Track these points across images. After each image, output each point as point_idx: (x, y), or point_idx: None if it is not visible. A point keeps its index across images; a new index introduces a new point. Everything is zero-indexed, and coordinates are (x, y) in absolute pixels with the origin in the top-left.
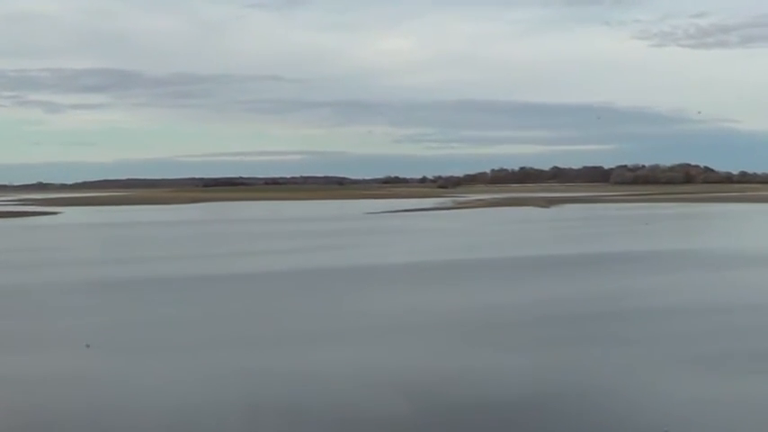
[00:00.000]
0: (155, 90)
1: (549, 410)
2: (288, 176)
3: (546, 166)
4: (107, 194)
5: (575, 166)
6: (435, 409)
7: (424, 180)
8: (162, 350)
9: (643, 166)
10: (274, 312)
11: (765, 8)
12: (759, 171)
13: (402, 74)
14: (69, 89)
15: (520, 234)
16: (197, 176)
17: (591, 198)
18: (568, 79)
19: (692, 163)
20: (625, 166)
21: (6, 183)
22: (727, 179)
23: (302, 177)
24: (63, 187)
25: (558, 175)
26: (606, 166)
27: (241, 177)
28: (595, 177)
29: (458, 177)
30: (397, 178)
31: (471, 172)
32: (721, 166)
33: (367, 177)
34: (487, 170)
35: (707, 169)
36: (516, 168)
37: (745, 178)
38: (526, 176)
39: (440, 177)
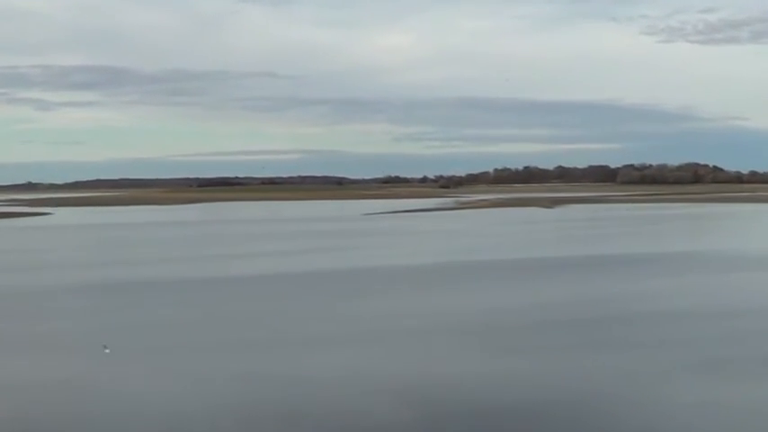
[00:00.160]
0: (147, 87)
1: (551, 417)
2: (285, 176)
3: (550, 166)
4: (99, 195)
5: (580, 166)
6: (435, 416)
7: (424, 180)
8: (157, 353)
9: (650, 166)
10: (271, 315)
11: None
12: None
13: (402, 71)
14: (60, 86)
15: (523, 235)
16: (191, 176)
17: (597, 198)
18: (574, 76)
19: (701, 162)
20: (632, 165)
21: None
22: (737, 179)
23: (299, 177)
24: (53, 187)
25: (563, 175)
26: (612, 166)
27: (237, 177)
28: (601, 177)
29: (460, 177)
30: (397, 178)
31: (473, 171)
32: (731, 165)
33: (366, 177)
34: (490, 169)
35: (716, 168)
36: (520, 168)
37: (755, 178)
38: (530, 176)
39: (441, 177)
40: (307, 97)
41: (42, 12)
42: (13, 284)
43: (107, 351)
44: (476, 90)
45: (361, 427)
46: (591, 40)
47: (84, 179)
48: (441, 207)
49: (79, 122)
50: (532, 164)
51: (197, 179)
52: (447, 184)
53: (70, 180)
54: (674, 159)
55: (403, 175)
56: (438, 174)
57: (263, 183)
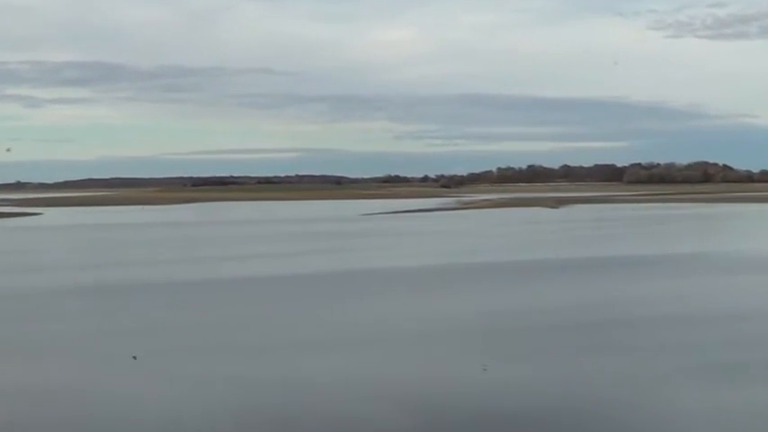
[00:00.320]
0: (140, 84)
1: (553, 423)
2: (282, 175)
3: (555, 165)
4: (90, 194)
5: (586, 164)
6: (435, 423)
7: (425, 179)
8: (150, 357)
9: (658, 165)
10: (266, 319)
11: None
12: None
13: (402, 67)
14: (50, 83)
15: (527, 236)
16: (185, 175)
17: (603, 198)
18: (579, 72)
19: (710, 161)
20: (639, 164)
21: None
22: (748, 178)
23: (297, 176)
24: (43, 186)
25: (569, 174)
26: (619, 165)
27: (232, 176)
28: (608, 176)
29: (462, 176)
30: (397, 177)
31: (476, 170)
32: (741, 163)
33: (366, 176)
34: (493, 168)
35: (725, 167)
36: (524, 166)
37: (766, 177)
38: (534, 175)
39: (443, 176)
40: (304, 94)
41: (32, 6)
42: (0, 287)
43: (135, 358)
44: (478, 86)
45: None
46: (597, 36)
47: (75, 178)
48: (442, 207)
49: (70, 120)
50: (537, 163)
51: (191, 178)
52: (449, 183)
53: (60, 179)
54: (683, 158)
55: (403, 174)
56: (439, 173)
57: (259, 182)
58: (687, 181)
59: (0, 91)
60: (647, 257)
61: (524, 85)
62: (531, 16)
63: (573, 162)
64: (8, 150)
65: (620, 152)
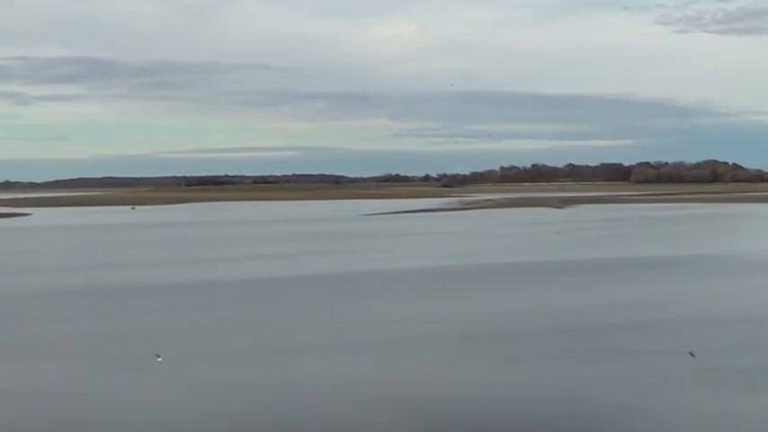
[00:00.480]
0: (134, 80)
1: (555, 430)
2: (279, 175)
3: (560, 163)
4: (82, 194)
5: (591, 163)
6: (436, 428)
7: (426, 178)
8: (144, 362)
9: (666, 164)
10: (264, 322)
11: None
12: None
13: (403, 63)
14: (41, 79)
15: (531, 237)
16: (179, 174)
17: (609, 198)
18: (585, 69)
19: (720, 159)
20: (647, 163)
21: None
22: (758, 177)
23: (294, 176)
24: (33, 186)
25: (574, 173)
26: (626, 164)
27: (227, 175)
28: (614, 175)
29: (464, 175)
30: (397, 176)
31: (478, 169)
32: (751, 162)
33: (365, 175)
34: (496, 167)
35: (735, 166)
36: (528, 165)
37: None
38: (538, 174)
39: (444, 175)
40: (302, 91)
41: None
42: None
43: (159, 359)
44: (481, 83)
45: None
46: (603, 31)
47: (67, 177)
48: (443, 207)
49: (62, 117)
50: (541, 161)
51: (185, 177)
52: (450, 182)
53: (51, 179)
54: (692, 157)
55: (404, 173)
56: (441, 172)
57: (255, 182)
58: (696, 180)
59: None
60: (655, 259)
61: (528, 81)
62: (535, 11)
63: (578, 161)
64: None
65: (626, 151)
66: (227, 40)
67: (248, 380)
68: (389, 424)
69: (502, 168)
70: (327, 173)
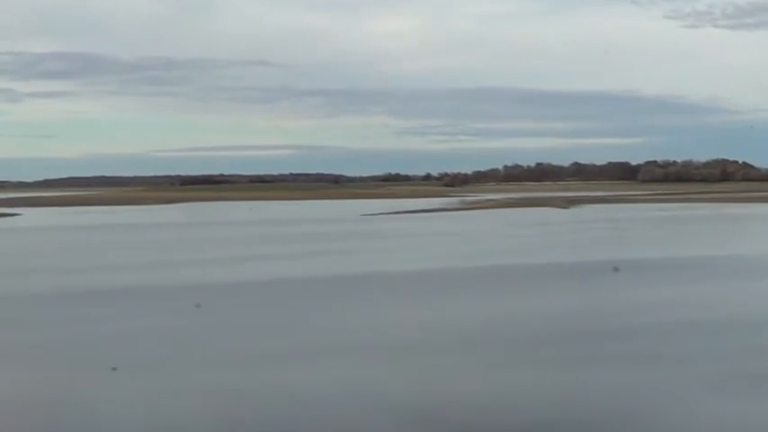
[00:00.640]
0: (126, 76)
1: None
2: (275, 174)
3: (565, 162)
4: (72, 194)
5: (598, 162)
6: None
7: (428, 177)
8: (136, 368)
9: (674, 162)
10: (258, 326)
11: None
12: None
13: (403, 59)
14: (30, 75)
15: (535, 238)
16: (173, 173)
17: (616, 198)
18: (591, 64)
19: (730, 158)
20: (654, 161)
21: None
22: None
23: (292, 175)
24: (22, 185)
25: (580, 172)
26: (633, 162)
27: (222, 175)
28: (621, 174)
29: (466, 174)
30: (398, 175)
31: (481, 168)
32: (762, 161)
33: (364, 174)
34: (500, 166)
35: (746, 165)
36: (532, 164)
37: None
38: (543, 173)
39: (446, 174)
40: (300, 88)
41: None
42: None
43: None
44: (484, 80)
45: None
46: (610, 26)
47: (57, 177)
48: (445, 207)
49: (51, 114)
50: (546, 160)
51: (179, 177)
52: (452, 182)
53: (41, 178)
54: (701, 155)
55: (404, 172)
56: (442, 171)
57: (251, 181)
58: (705, 180)
59: None
60: (664, 261)
61: (532, 78)
62: (540, 5)
63: (584, 159)
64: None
65: (634, 149)
66: (223, 36)
67: (243, 385)
68: (388, 431)
69: (505, 167)
70: (326, 172)
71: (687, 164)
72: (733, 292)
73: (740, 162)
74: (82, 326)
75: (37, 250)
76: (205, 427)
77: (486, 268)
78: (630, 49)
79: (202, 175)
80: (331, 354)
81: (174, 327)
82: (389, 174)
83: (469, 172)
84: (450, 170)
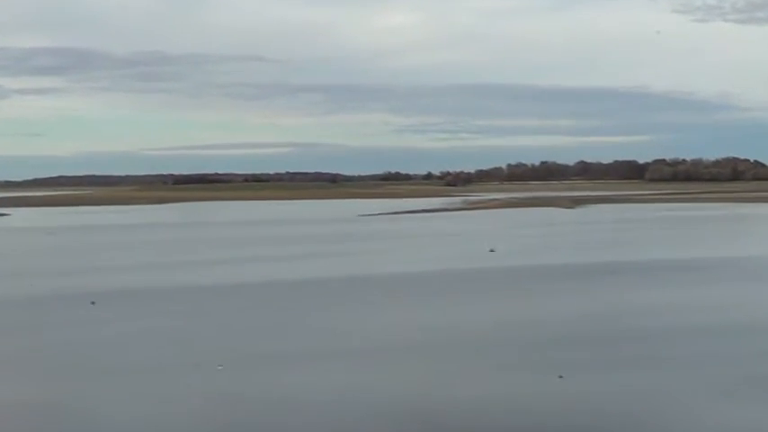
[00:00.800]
0: (117, 72)
1: None
2: (271, 172)
3: (571, 161)
4: (62, 193)
5: (604, 161)
6: None
7: (429, 176)
8: (125, 372)
9: (683, 161)
10: (254, 329)
11: None
12: None
13: (404, 54)
14: (19, 71)
15: (539, 239)
16: (166, 172)
17: (623, 197)
18: (597, 60)
19: (741, 157)
20: (663, 160)
21: None
22: None
23: (288, 174)
24: (10, 185)
25: (586, 171)
26: (641, 161)
27: (217, 174)
28: (628, 173)
29: (468, 173)
30: (398, 174)
31: (484, 167)
32: None
33: (363, 173)
34: (503, 165)
35: (757, 164)
36: (537, 163)
37: None
38: (548, 172)
39: (448, 173)
40: (297, 84)
41: None
42: None
43: (220, 368)
44: (487, 76)
45: None
46: (617, 20)
47: (46, 175)
48: (447, 207)
49: (40, 111)
50: (551, 159)
51: (172, 176)
52: (454, 181)
53: (30, 177)
54: (710, 153)
55: (405, 171)
56: (444, 170)
57: (246, 180)
58: (715, 179)
59: None
60: (673, 262)
61: (537, 73)
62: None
63: (590, 158)
64: None
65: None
66: (218, 30)
67: (238, 390)
68: None
69: (509, 166)
70: (323, 171)
71: (696, 162)
72: (743, 294)
73: (751, 161)
74: (78, 329)
75: (28, 252)
76: (200, 429)
77: (489, 270)
78: (638, 44)
79: (196, 174)
80: (328, 357)
81: (170, 329)
82: (389, 173)
83: (472, 171)
84: (452, 169)
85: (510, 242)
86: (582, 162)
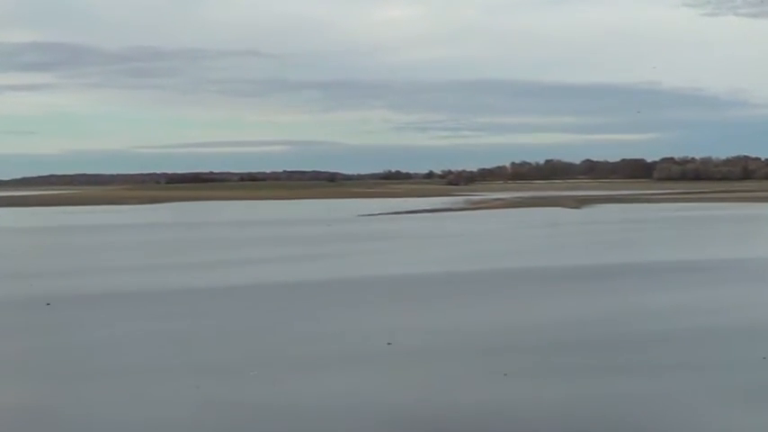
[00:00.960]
0: (110, 68)
1: None
2: (268, 171)
3: (577, 159)
4: (52, 193)
5: (611, 159)
6: None
7: (430, 175)
8: (114, 377)
9: (693, 159)
10: (249, 333)
11: None
12: None
13: (404, 49)
14: (6, 67)
15: (544, 240)
16: (159, 171)
17: (630, 197)
18: (604, 55)
19: (752, 155)
20: (671, 158)
21: None
22: None
23: (285, 172)
24: None
25: (592, 170)
26: (649, 159)
27: (212, 172)
28: (636, 172)
29: (471, 172)
30: (398, 173)
31: (487, 166)
32: None
33: (363, 172)
34: (507, 163)
35: None
36: (541, 161)
37: None
38: (553, 171)
39: (449, 172)
40: (294, 80)
41: None
42: None
43: (253, 373)
44: (490, 71)
45: None
46: (625, 13)
47: (35, 174)
48: (448, 207)
49: (29, 108)
50: (556, 157)
51: (165, 175)
52: (456, 180)
53: (18, 176)
54: (721, 152)
55: (405, 169)
56: (446, 168)
57: (242, 179)
58: (725, 178)
59: None
60: (683, 264)
61: (541, 69)
62: None
63: (596, 156)
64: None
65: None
66: (212, 24)
67: (232, 396)
68: None
69: (513, 164)
70: (321, 169)
71: (706, 161)
72: (749, 296)
73: (763, 159)
74: (70, 332)
75: (17, 253)
76: None
77: (493, 272)
78: (646, 39)
79: (190, 173)
80: (325, 362)
81: (156, 334)
82: (389, 171)
83: (474, 169)
84: (454, 168)
85: (514, 243)
86: (588, 160)
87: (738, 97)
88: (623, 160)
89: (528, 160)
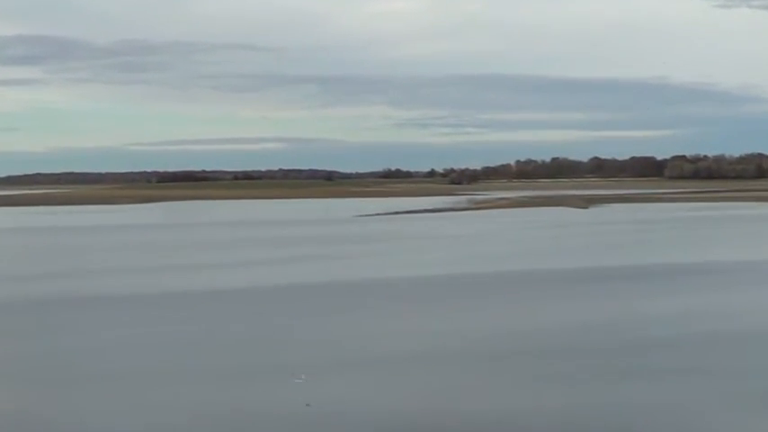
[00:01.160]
0: (99, 62)
1: None
2: (263, 169)
3: (584, 157)
4: (38, 192)
5: (620, 157)
6: None
7: (432, 174)
8: (103, 382)
9: (705, 157)
10: (244, 338)
11: None
12: None
13: (405, 42)
14: None
15: (550, 242)
16: (150, 169)
17: (640, 197)
18: (613, 49)
19: (766, 153)
20: (683, 156)
21: None
22: None
23: (281, 171)
24: None
25: (600, 168)
26: (659, 157)
27: (205, 171)
28: (646, 170)
29: (474, 170)
30: (398, 171)
31: (491, 164)
32: None
33: (362, 170)
34: (511, 161)
35: None
36: (547, 159)
37: None
38: (559, 169)
39: (452, 171)
40: (290, 74)
41: None
42: None
43: (300, 380)
44: (493, 66)
45: None
46: (634, 6)
47: (21, 173)
48: (451, 207)
49: (15, 104)
50: (562, 155)
51: (157, 173)
52: (459, 179)
53: (3, 174)
54: (735, 149)
55: (405, 168)
56: (448, 167)
57: (236, 178)
58: (739, 176)
59: None
60: (693, 266)
61: (547, 63)
62: None
63: (605, 154)
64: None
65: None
66: (205, 17)
67: (228, 403)
68: None
69: (518, 163)
70: (319, 167)
71: (719, 159)
72: (760, 300)
73: None
74: (59, 337)
75: (4, 254)
76: None
77: (497, 274)
78: (657, 32)
79: (182, 172)
80: (324, 368)
81: (147, 339)
82: (389, 170)
83: (478, 168)
84: (457, 166)
85: (518, 245)
86: (596, 158)
87: (751, 92)
88: (633, 158)
89: (533, 158)
